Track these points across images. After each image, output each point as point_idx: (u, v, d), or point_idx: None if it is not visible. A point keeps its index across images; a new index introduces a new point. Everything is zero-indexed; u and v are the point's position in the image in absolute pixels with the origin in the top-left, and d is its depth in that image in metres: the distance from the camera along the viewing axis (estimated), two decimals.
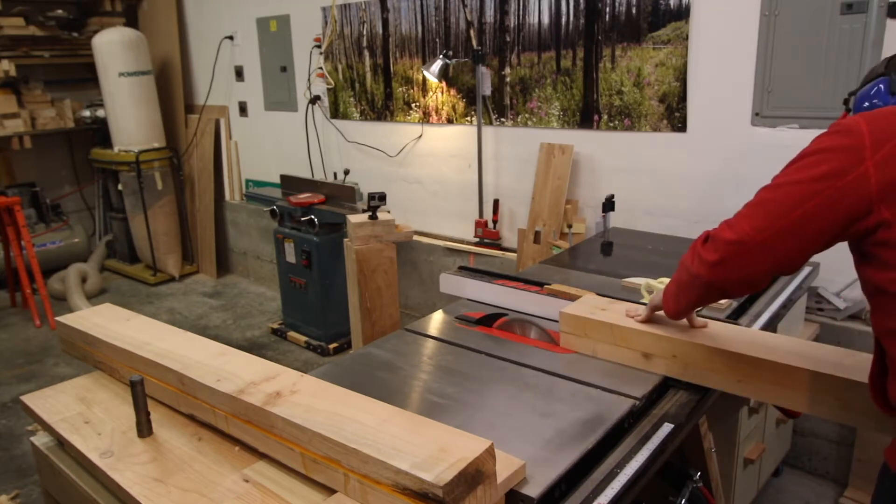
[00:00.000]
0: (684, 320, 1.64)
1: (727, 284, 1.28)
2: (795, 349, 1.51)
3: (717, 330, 1.63)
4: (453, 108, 3.99)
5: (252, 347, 4.37)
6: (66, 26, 5.50)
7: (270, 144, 5.33)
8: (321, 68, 4.66)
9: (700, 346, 1.57)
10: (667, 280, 1.67)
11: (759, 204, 1.21)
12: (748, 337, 1.60)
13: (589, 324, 1.75)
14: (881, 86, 1.35)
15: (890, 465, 1.16)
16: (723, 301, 2.03)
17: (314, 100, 4.77)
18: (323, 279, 4.12)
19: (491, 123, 3.82)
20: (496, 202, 3.88)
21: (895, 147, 1.10)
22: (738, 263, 1.23)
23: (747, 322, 2.00)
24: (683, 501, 1.65)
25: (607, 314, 1.75)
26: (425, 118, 4.15)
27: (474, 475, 1.07)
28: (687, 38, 2.99)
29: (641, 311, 1.70)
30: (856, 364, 1.43)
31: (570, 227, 3.41)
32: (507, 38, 3.63)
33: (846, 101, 1.50)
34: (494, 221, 3.90)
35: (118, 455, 1.37)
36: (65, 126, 5.76)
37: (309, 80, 4.76)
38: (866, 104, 1.37)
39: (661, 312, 1.61)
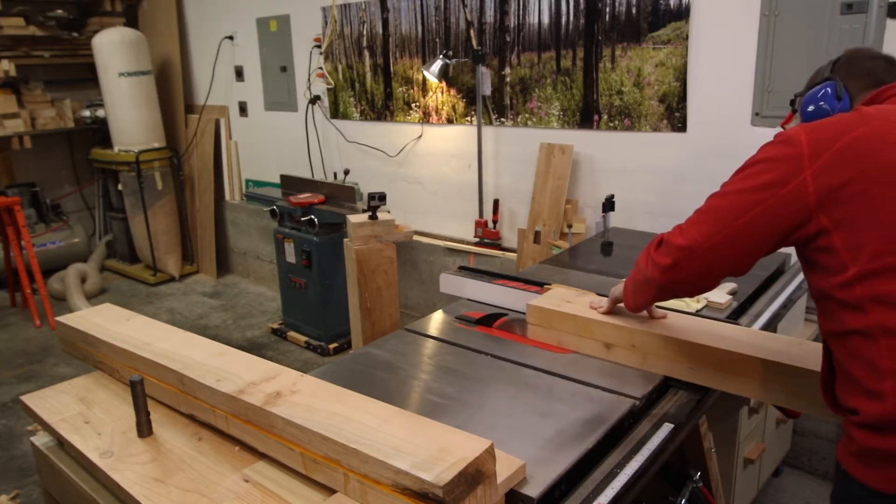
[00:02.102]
0: (644, 311, 1.71)
1: (679, 286, 1.38)
2: (746, 339, 1.59)
3: (676, 321, 1.70)
4: (453, 108, 3.99)
5: (252, 347, 4.37)
6: (66, 26, 5.50)
7: (270, 144, 5.33)
8: (321, 68, 4.66)
9: (657, 335, 1.64)
10: None
11: (707, 211, 1.30)
12: (703, 327, 1.67)
13: (554, 315, 1.81)
14: (828, 89, 1.38)
15: (841, 462, 1.19)
16: (723, 300, 2.05)
17: (314, 100, 4.77)
18: (323, 279, 4.12)
19: (491, 123, 3.82)
20: (496, 202, 3.88)
21: (832, 157, 1.15)
22: (688, 267, 1.31)
23: (747, 322, 2.00)
24: (683, 501, 1.65)
25: (572, 306, 1.82)
26: (425, 118, 4.15)
27: (474, 475, 1.07)
28: (687, 38, 2.99)
29: (604, 303, 1.76)
30: (803, 353, 1.49)
31: (570, 227, 3.41)
32: (507, 38, 3.63)
33: (793, 103, 1.52)
34: (494, 221, 3.90)
35: (118, 455, 1.37)
36: (65, 126, 5.76)
37: (309, 80, 4.76)
38: (812, 107, 1.40)
39: (623, 304, 1.67)
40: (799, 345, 1.55)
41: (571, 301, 1.85)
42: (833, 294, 1.17)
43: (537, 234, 3.59)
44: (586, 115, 3.41)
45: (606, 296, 1.76)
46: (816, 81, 1.43)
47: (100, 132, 5.72)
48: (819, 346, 1.36)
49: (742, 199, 1.23)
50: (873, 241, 1.11)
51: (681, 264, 1.31)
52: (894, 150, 1.14)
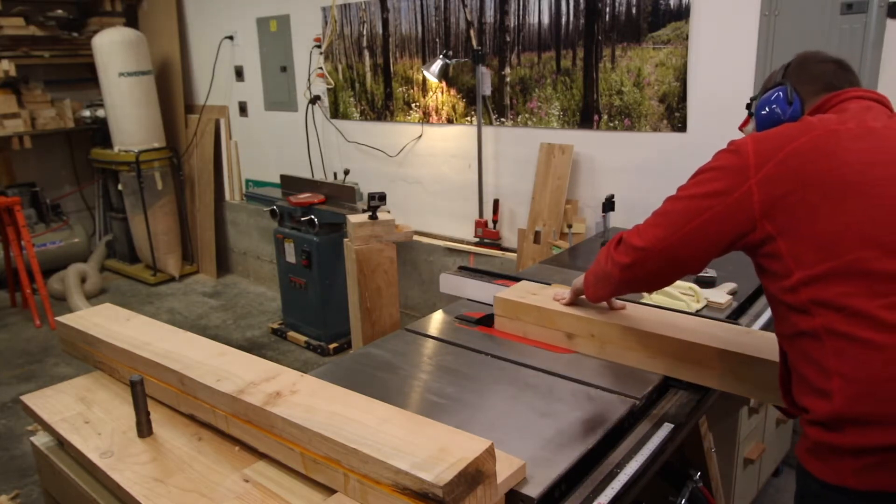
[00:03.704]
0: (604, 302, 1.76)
1: (636, 283, 1.46)
2: (700, 328, 1.66)
3: (634, 312, 1.76)
4: (453, 108, 3.99)
5: (252, 347, 4.37)
6: (66, 26, 5.50)
7: (270, 144, 5.33)
8: (321, 68, 4.66)
9: (616, 325, 1.69)
10: None
11: (662, 214, 1.37)
12: (660, 318, 1.72)
13: (519, 307, 1.87)
14: (780, 93, 1.42)
15: (799, 459, 1.22)
16: (723, 300, 2.05)
17: (314, 100, 4.77)
18: (323, 279, 4.12)
19: (491, 123, 3.82)
20: (496, 202, 3.88)
21: (775, 166, 1.19)
22: (645, 267, 1.39)
23: (747, 322, 2.00)
24: (683, 501, 1.65)
25: (536, 298, 1.87)
26: (425, 118, 4.15)
27: (474, 475, 1.07)
28: (687, 38, 2.99)
29: (567, 294, 1.81)
30: (752, 342, 1.55)
31: (570, 227, 3.41)
32: (507, 38, 3.63)
33: (749, 106, 1.57)
34: (494, 221, 3.90)
35: (118, 455, 1.37)
36: (65, 126, 5.76)
37: (309, 80, 4.76)
38: (766, 110, 1.44)
39: (585, 296, 1.72)
40: (747, 334, 1.61)
41: (536, 293, 1.91)
42: (782, 298, 1.21)
43: (537, 234, 3.59)
44: (586, 115, 3.41)
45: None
46: (769, 86, 1.46)
47: (100, 132, 5.72)
48: (770, 334, 1.41)
49: (692, 204, 1.30)
50: (813, 249, 1.16)
51: (637, 264, 1.39)
52: (831, 160, 1.17)
